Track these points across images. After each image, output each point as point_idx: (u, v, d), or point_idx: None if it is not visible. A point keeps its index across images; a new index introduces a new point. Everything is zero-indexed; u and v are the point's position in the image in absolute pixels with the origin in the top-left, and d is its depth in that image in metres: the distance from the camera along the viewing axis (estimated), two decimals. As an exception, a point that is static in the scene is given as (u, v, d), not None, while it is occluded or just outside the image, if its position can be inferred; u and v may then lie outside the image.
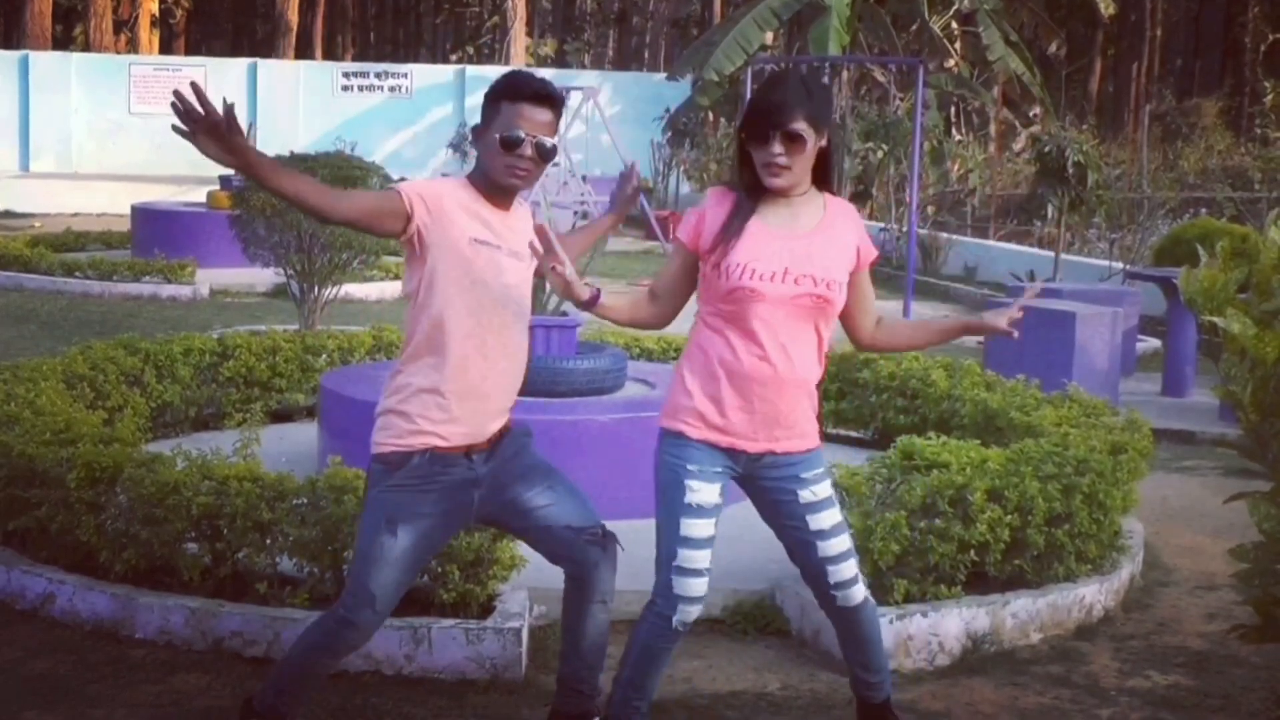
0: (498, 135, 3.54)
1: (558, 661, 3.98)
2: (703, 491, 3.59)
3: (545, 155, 3.59)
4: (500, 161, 3.55)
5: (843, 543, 3.71)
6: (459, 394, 3.59)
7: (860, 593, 3.77)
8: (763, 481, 3.69)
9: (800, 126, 3.47)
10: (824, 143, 3.57)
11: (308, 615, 4.47)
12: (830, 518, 3.69)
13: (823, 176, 3.65)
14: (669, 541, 3.62)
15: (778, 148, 3.47)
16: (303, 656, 3.74)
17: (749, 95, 20.80)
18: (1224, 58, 41.49)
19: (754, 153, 3.53)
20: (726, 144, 25.56)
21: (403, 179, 3.52)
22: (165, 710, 4.18)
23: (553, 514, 3.79)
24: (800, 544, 3.72)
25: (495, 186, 3.61)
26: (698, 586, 3.61)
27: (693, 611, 3.65)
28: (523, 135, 3.53)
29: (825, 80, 3.84)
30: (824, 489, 3.69)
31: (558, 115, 3.67)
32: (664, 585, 3.63)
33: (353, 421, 5.56)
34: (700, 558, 3.60)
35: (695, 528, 3.59)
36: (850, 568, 3.72)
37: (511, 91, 3.56)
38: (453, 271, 3.55)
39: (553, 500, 3.79)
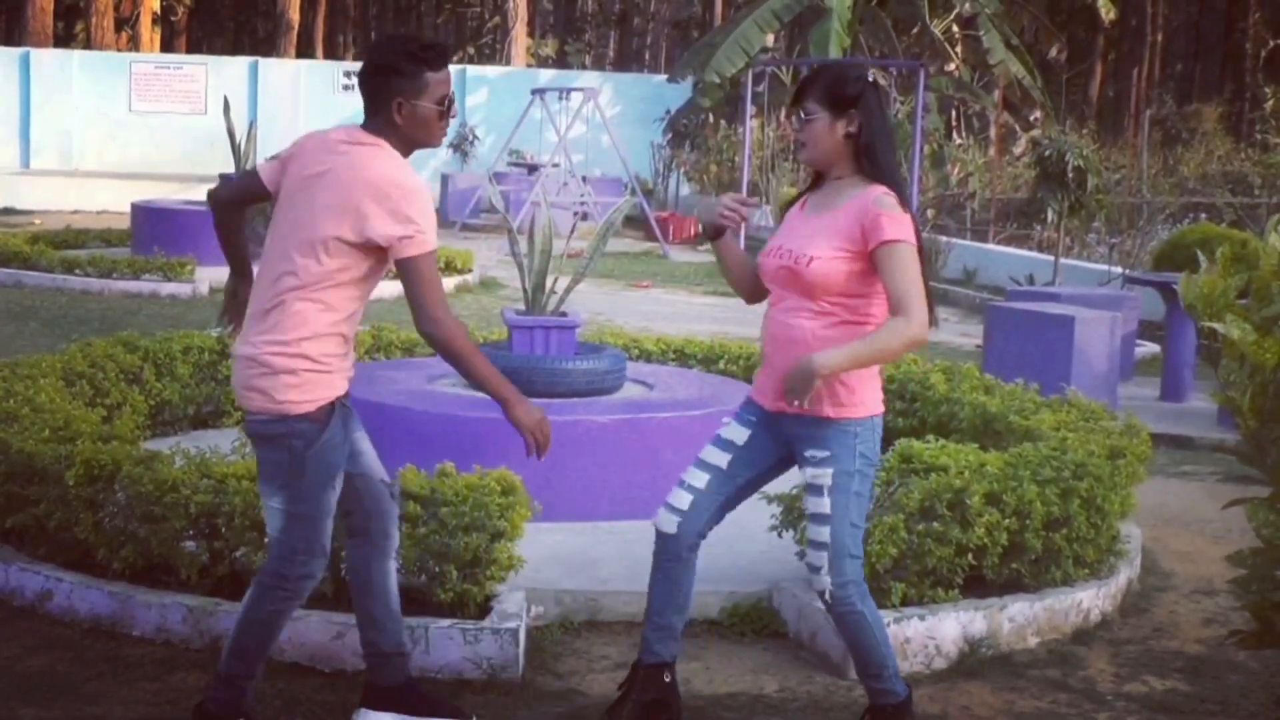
0: (436, 105, 3.75)
1: (366, 636, 4.04)
2: (730, 429, 4.02)
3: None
4: (438, 127, 3.80)
5: (818, 533, 3.84)
6: (349, 339, 3.79)
7: (821, 583, 3.86)
8: (789, 444, 3.94)
9: (807, 105, 3.86)
10: (851, 128, 3.83)
11: (304, 614, 4.47)
12: (816, 505, 3.84)
13: (863, 165, 3.86)
14: None
15: (795, 125, 3.96)
16: (264, 630, 3.87)
17: (750, 97, 20.90)
18: (1224, 63, 41.52)
19: None
20: (727, 146, 25.57)
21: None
22: (163, 708, 4.18)
23: (371, 463, 3.97)
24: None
25: (408, 149, 3.80)
26: (677, 496, 4.00)
27: (664, 518, 4.00)
28: (453, 99, 3.82)
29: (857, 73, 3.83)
30: (823, 476, 3.82)
31: None
32: None
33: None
34: (695, 475, 4.00)
35: (708, 452, 4.01)
36: (817, 558, 3.85)
37: (434, 61, 3.74)
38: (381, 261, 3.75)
39: (368, 450, 3.97)
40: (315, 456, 3.71)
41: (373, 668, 4.06)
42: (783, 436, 3.93)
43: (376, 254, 3.68)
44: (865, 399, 3.83)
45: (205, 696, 3.93)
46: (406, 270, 3.64)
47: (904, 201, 3.82)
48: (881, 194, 3.78)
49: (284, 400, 3.68)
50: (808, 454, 3.84)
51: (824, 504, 3.81)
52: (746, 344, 8.20)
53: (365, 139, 3.75)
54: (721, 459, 3.98)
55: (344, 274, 3.68)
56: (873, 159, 3.83)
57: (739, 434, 3.98)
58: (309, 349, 3.67)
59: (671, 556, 4.02)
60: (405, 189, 3.66)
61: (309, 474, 3.72)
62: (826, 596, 3.86)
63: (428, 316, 3.64)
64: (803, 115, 3.86)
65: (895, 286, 3.72)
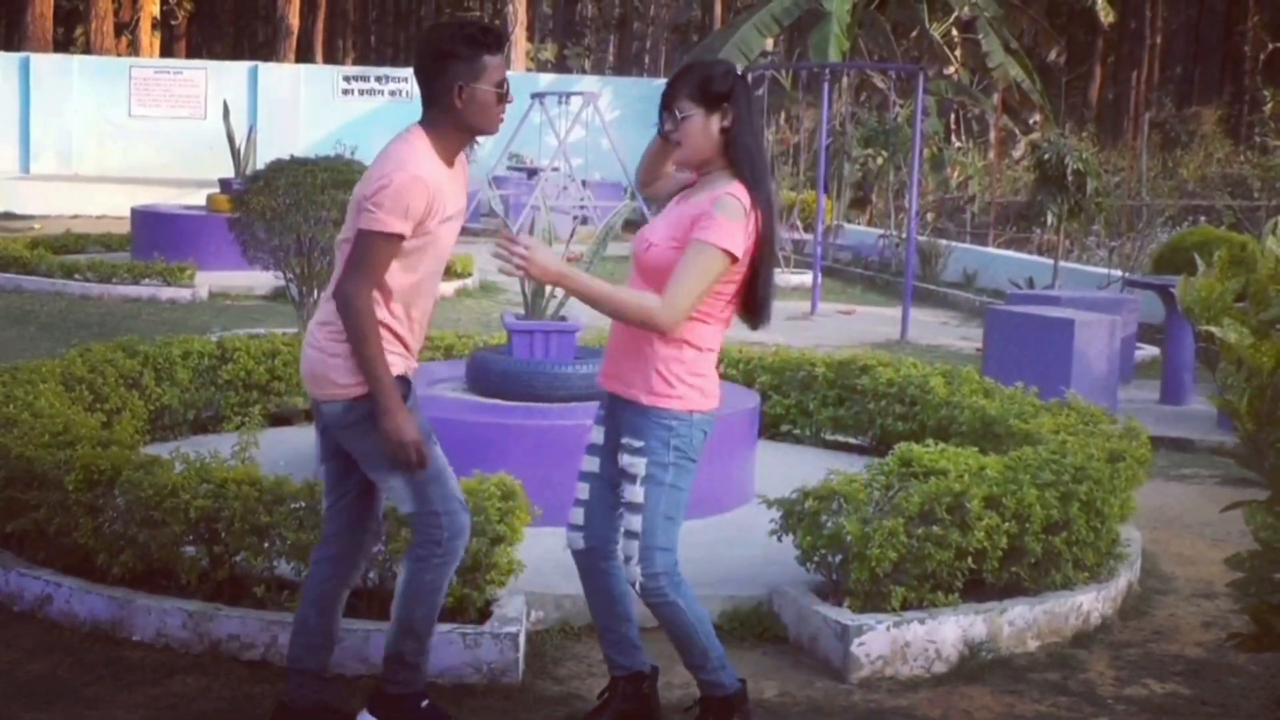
0: (495, 89, 3.77)
1: (298, 648, 4.02)
2: (594, 432, 4.03)
3: None
4: (494, 112, 3.81)
5: (631, 523, 3.87)
6: (405, 331, 3.82)
7: (632, 574, 3.87)
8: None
9: (680, 104, 3.82)
10: (725, 122, 3.81)
11: (305, 618, 4.47)
12: (630, 494, 3.86)
13: (730, 157, 3.84)
14: None
15: (669, 125, 3.87)
16: (430, 600, 3.85)
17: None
18: (1224, 65, 41.52)
19: None
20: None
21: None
22: (162, 713, 4.19)
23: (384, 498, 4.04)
24: None
25: (467, 137, 3.83)
26: (573, 513, 4.02)
27: (570, 538, 4.02)
28: (509, 84, 3.82)
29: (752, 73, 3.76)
30: (636, 465, 3.84)
31: None
32: None
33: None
34: (580, 487, 4.02)
35: (584, 461, 4.04)
36: (629, 548, 3.88)
37: (492, 44, 3.78)
38: (423, 249, 3.77)
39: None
40: (404, 424, 3.73)
41: (319, 685, 4.00)
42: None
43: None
44: (684, 394, 3.82)
45: (380, 685, 3.93)
46: (355, 239, 3.72)
47: (758, 202, 3.78)
48: (725, 194, 3.76)
49: (346, 383, 3.73)
50: (624, 441, 3.87)
51: (638, 493, 3.83)
52: (745, 347, 8.20)
53: (399, 135, 3.82)
54: (594, 464, 4.01)
55: None
56: (739, 150, 3.83)
57: (599, 435, 4.01)
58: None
59: (591, 571, 4.05)
60: (395, 169, 3.69)
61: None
62: (637, 587, 3.89)
63: (342, 289, 3.68)
64: (678, 115, 3.83)
65: (675, 275, 3.73)
